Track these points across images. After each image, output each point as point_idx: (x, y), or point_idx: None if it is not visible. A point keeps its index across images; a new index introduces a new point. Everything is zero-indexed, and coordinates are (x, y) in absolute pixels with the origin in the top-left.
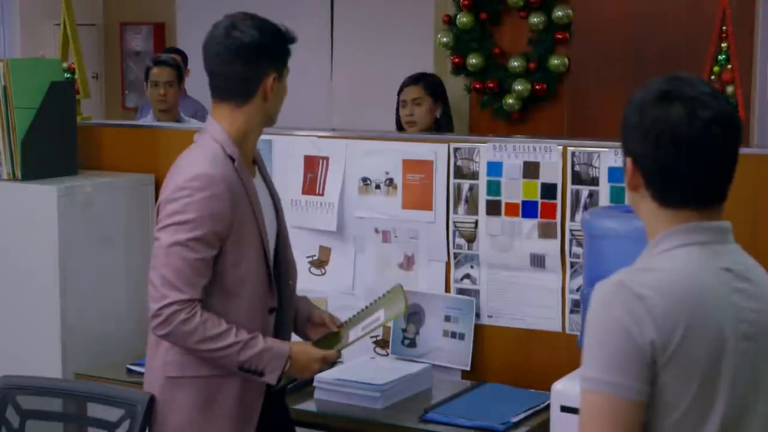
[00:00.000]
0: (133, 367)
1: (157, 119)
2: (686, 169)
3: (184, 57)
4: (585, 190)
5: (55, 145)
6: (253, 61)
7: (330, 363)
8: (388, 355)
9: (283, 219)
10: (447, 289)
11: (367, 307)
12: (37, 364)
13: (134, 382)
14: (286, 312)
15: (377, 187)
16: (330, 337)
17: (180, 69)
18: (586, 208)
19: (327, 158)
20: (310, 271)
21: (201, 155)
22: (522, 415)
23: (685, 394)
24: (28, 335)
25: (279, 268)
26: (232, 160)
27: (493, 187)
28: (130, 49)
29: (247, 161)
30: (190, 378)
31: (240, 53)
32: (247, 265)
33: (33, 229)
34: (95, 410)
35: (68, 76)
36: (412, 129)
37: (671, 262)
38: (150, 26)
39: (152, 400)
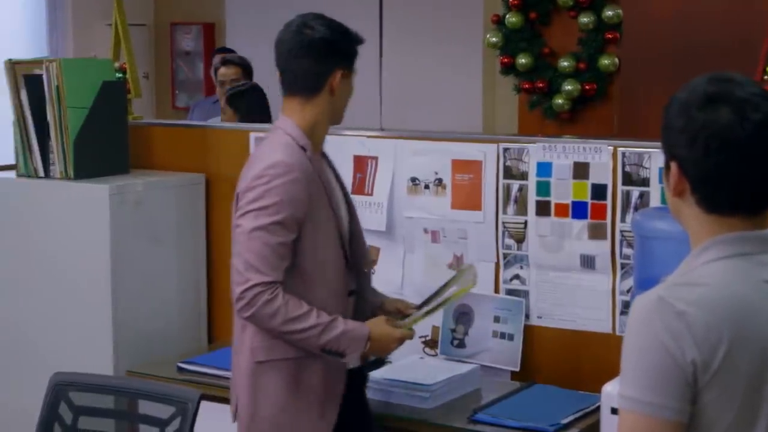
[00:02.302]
0: (183, 365)
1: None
2: (737, 174)
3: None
4: (635, 191)
5: (107, 144)
6: (321, 57)
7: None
8: (437, 355)
9: (353, 207)
10: (496, 290)
11: (439, 288)
12: (89, 361)
13: (185, 380)
14: (363, 296)
15: (426, 187)
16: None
17: (248, 67)
18: (636, 209)
19: (376, 158)
20: None
21: (276, 146)
22: (571, 417)
23: (728, 411)
24: (80, 333)
25: (355, 254)
26: (304, 150)
27: (543, 188)
28: (180, 49)
29: (317, 153)
30: (278, 361)
31: (310, 49)
32: (325, 249)
33: (85, 228)
34: (146, 407)
35: (120, 75)
36: None
37: (712, 276)
38: (200, 26)
39: (202, 397)
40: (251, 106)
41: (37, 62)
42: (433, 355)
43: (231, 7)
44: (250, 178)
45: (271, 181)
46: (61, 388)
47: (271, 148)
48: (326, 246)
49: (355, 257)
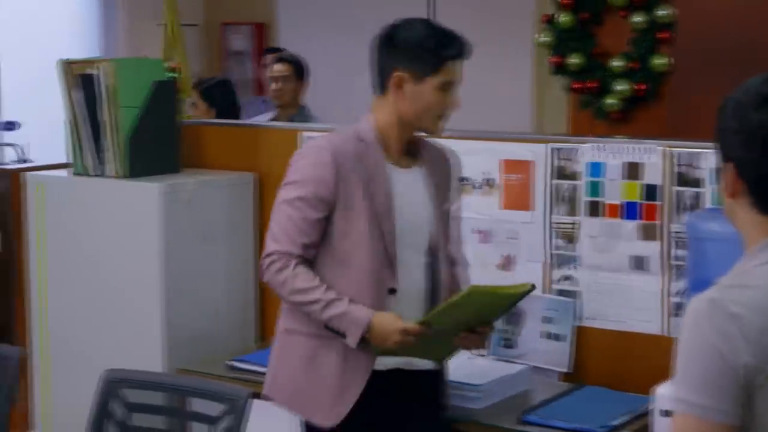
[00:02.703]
0: (233, 363)
1: (277, 115)
2: None
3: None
4: (688, 192)
5: (159, 143)
6: (382, 55)
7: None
8: (486, 355)
9: (444, 218)
10: (546, 291)
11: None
12: (141, 358)
13: (235, 378)
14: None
15: (475, 187)
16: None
17: (299, 65)
18: (688, 210)
19: None
20: None
21: (328, 134)
22: (622, 419)
23: None
24: (132, 330)
25: (433, 262)
26: (363, 141)
27: (594, 188)
28: (231, 48)
29: (392, 151)
30: (300, 333)
31: (378, 45)
32: (357, 237)
33: (137, 226)
34: (197, 405)
35: (171, 75)
36: None
37: (766, 279)
38: (251, 26)
39: (252, 395)
40: (224, 99)
41: (91, 62)
42: (482, 356)
43: (282, 7)
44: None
45: (299, 160)
46: (113, 385)
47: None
48: (358, 235)
49: (433, 264)
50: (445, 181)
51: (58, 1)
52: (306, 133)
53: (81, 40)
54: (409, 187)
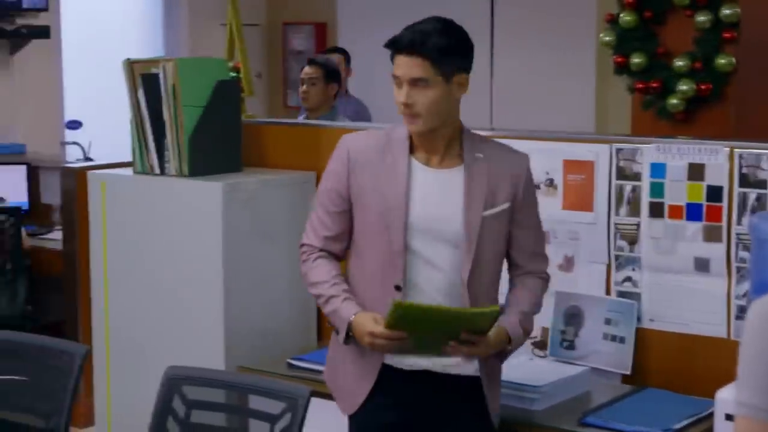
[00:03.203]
0: (293, 362)
1: (307, 117)
2: None
3: (347, 57)
4: (753, 193)
5: (221, 142)
6: None
7: (391, 340)
8: (546, 356)
9: (488, 222)
10: (607, 292)
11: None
12: (201, 356)
13: (294, 376)
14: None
15: (537, 187)
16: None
17: (328, 69)
18: (753, 211)
19: None
20: None
21: (362, 131)
22: (684, 422)
23: None
24: (193, 328)
25: (474, 268)
26: (391, 138)
27: (657, 189)
28: (292, 48)
29: (423, 149)
30: None
31: None
32: (367, 231)
33: (198, 225)
34: (257, 402)
35: (233, 75)
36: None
37: None
38: (312, 26)
39: (312, 394)
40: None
41: (154, 61)
42: (542, 357)
43: (343, 7)
44: None
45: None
46: (174, 382)
47: None
48: (369, 229)
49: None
50: (498, 186)
51: (122, 0)
52: None
53: (144, 40)
54: (434, 186)
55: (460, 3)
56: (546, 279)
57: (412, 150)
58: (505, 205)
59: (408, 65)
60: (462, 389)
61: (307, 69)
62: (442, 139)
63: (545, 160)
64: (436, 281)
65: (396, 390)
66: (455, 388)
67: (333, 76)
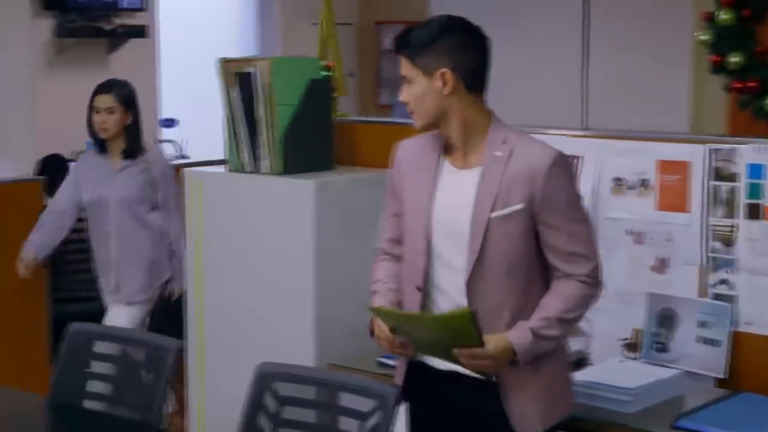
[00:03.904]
0: (383, 360)
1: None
2: None
3: None
4: None
5: (313, 140)
6: None
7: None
8: (638, 358)
9: (479, 223)
10: (701, 294)
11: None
12: (292, 353)
13: (385, 375)
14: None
15: (630, 188)
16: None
17: None
18: None
19: (579, 157)
20: None
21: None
22: None
23: None
24: (284, 325)
25: (479, 266)
26: (435, 138)
27: (754, 190)
28: (384, 47)
29: (454, 149)
30: None
31: None
32: (405, 233)
33: (290, 223)
34: (347, 400)
35: (326, 74)
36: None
37: None
38: (404, 25)
39: (402, 392)
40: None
41: (249, 60)
42: (634, 359)
43: (435, 6)
44: None
45: None
46: (266, 378)
47: None
48: (404, 229)
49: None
50: (513, 186)
51: (217, 0)
52: None
53: (238, 39)
54: (453, 187)
55: (553, 3)
56: (588, 282)
57: (449, 152)
58: (518, 206)
59: (400, 64)
60: (483, 394)
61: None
62: (458, 137)
63: (639, 160)
64: (458, 283)
65: (427, 388)
66: (477, 392)
67: None
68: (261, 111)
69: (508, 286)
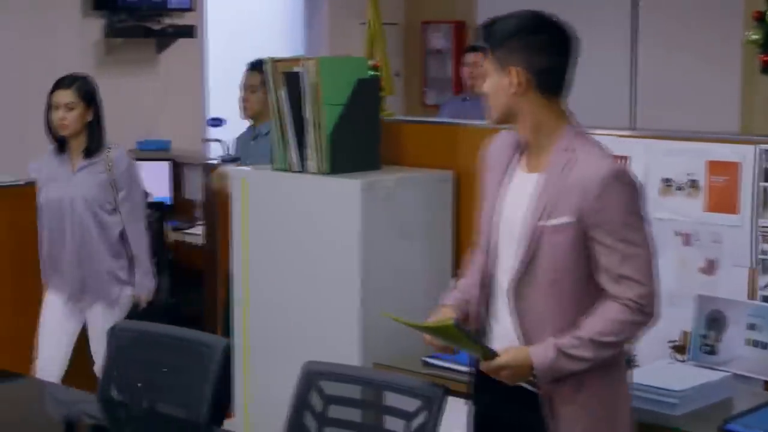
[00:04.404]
0: (429, 360)
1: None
2: None
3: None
4: None
5: (361, 140)
6: None
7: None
8: (686, 361)
9: (528, 230)
10: (751, 296)
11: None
12: (338, 351)
13: (430, 375)
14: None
15: (679, 188)
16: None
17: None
18: None
19: (627, 158)
20: None
21: None
22: None
23: None
24: (330, 324)
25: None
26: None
27: None
28: (431, 47)
29: (526, 152)
30: None
31: None
32: (480, 229)
33: (337, 222)
34: (392, 399)
35: (373, 73)
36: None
37: None
38: (450, 25)
39: (447, 393)
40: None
41: (296, 60)
42: (682, 361)
43: (483, 6)
44: None
45: None
46: (312, 377)
47: None
48: (480, 225)
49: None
50: (563, 197)
51: (264, 0)
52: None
53: (285, 39)
54: (518, 190)
55: (602, 3)
56: (632, 308)
57: (525, 151)
58: (565, 219)
59: (485, 60)
60: (525, 401)
61: (247, 75)
62: (530, 138)
63: (688, 161)
64: (507, 288)
65: (479, 388)
66: (520, 399)
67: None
68: (308, 110)
69: (553, 300)
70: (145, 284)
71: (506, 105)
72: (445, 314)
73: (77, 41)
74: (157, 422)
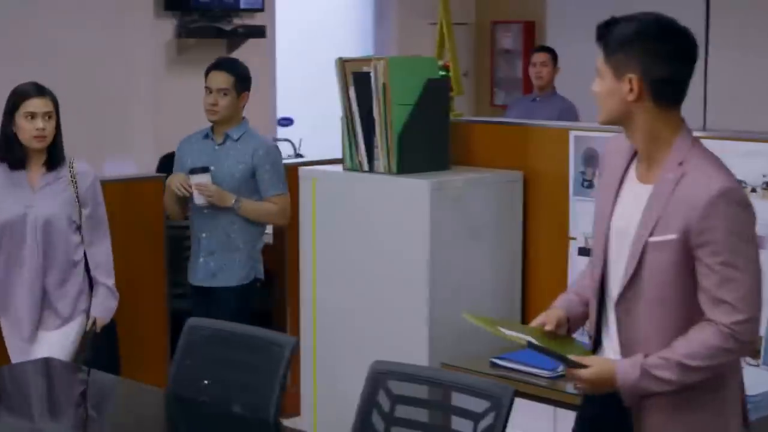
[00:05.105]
0: (497, 361)
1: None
2: None
3: (555, 55)
4: None
5: (429, 140)
6: None
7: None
8: (759, 365)
9: (638, 245)
10: None
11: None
12: (406, 351)
13: (497, 376)
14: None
15: (753, 190)
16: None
17: (238, 77)
18: None
19: None
20: None
21: None
22: None
23: None
24: (398, 323)
25: (627, 292)
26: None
27: None
28: (500, 47)
29: (641, 160)
30: None
31: None
32: (594, 235)
33: (406, 222)
34: (460, 400)
35: (443, 74)
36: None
37: None
38: (520, 24)
39: (515, 394)
40: None
41: (366, 60)
42: (755, 365)
43: (553, 5)
44: None
45: None
46: (380, 377)
47: None
48: (594, 231)
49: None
50: (672, 214)
51: (334, 0)
52: (575, 132)
53: (355, 39)
54: (630, 200)
55: (673, 3)
56: (726, 333)
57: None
58: (671, 236)
59: (600, 57)
60: (621, 410)
61: (215, 75)
62: (641, 148)
63: (763, 162)
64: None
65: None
66: (615, 406)
67: (245, 83)
68: (377, 110)
69: (657, 318)
70: (106, 305)
71: (617, 111)
72: (548, 318)
73: (149, 41)
74: (226, 420)
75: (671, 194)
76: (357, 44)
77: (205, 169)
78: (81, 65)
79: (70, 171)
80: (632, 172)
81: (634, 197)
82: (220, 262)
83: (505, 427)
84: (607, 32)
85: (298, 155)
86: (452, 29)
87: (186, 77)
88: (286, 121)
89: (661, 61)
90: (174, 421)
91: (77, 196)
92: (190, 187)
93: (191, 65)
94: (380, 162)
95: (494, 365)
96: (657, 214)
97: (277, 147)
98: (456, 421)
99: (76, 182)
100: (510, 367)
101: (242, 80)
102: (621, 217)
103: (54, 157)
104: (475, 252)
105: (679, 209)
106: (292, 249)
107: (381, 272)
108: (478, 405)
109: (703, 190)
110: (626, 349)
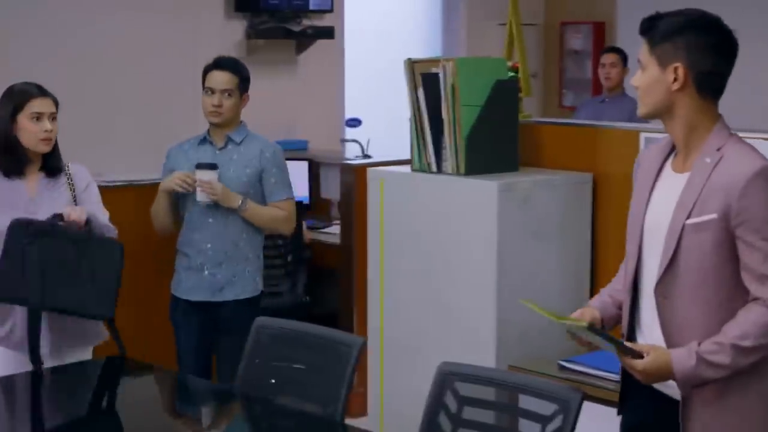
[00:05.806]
0: (565, 364)
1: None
2: None
3: (624, 56)
4: None
5: (498, 142)
6: None
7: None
8: None
9: (674, 230)
10: None
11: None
12: (473, 353)
13: (565, 379)
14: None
15: None
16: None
17: (241, 78)
18: None
19: None
20: None
21: None
22: None
23: None
24: (465, 325)
25: (667, 279)
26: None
27: None
28: (569, 48)
29: (678, 153)
30: None
31: None
32: (627, 234)
33: (473, 223)
34: (527, 402)
35: (512, 75)
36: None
37: None
38: (590, 25)
39: (584, 397)
40: None
41: (434, 61)
42: None
43: (623, 6)
44: None
45: None
46: (447, 378)
47: None
48: (628, 229)
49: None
50: (711, 195)
51: (402, 1)
52: (645, 134)
53: (423, 40)
54: (666, 190)
55: (746, 3)
56: None
57: (675, 153)
58: (711, 216)
59: (643, 49)
60: (668, 408)
61: (219, 75)
62: (680, 138)
63: None
64: (651, 289)
65: (627, 395)
66: (662, 404)
67: (247, 84)
68: (446, 111)
69: (699, 301)
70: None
71: (661, 101)
72: (584, 315)
73: (219, 42)
74: (294, 419)
75: (709, 177)
76: (425, 45)
77: (212, 166)
78: (151, 65)
79: (67, 174)
80: (668, 167)
81: (669, 188)
82: (229, 274)
83: (573, 430)
84: (652, 25)
85: (366, 156)
86: (521, 30)
87: (255, 78)
88: (354, 122)
89: (707, 53)
90: (243, 420)
91: (74, 198)
92: (194, 182)
93: (260, 66)
94: (448, 163)
95: (562, 368)
96: (695, 197)
97: (281, 148)
98: (523, 424)
99: (73, 184)
100: (578, 370)
101: (245, 81)
102: (656, 209)
103: (54, 162)
104: (543, 254)
105: (717, 190)
106: (360, 249)
107: (448, 273)
108: (545, 408)
109: (741, 170)
110: (671, 341)
